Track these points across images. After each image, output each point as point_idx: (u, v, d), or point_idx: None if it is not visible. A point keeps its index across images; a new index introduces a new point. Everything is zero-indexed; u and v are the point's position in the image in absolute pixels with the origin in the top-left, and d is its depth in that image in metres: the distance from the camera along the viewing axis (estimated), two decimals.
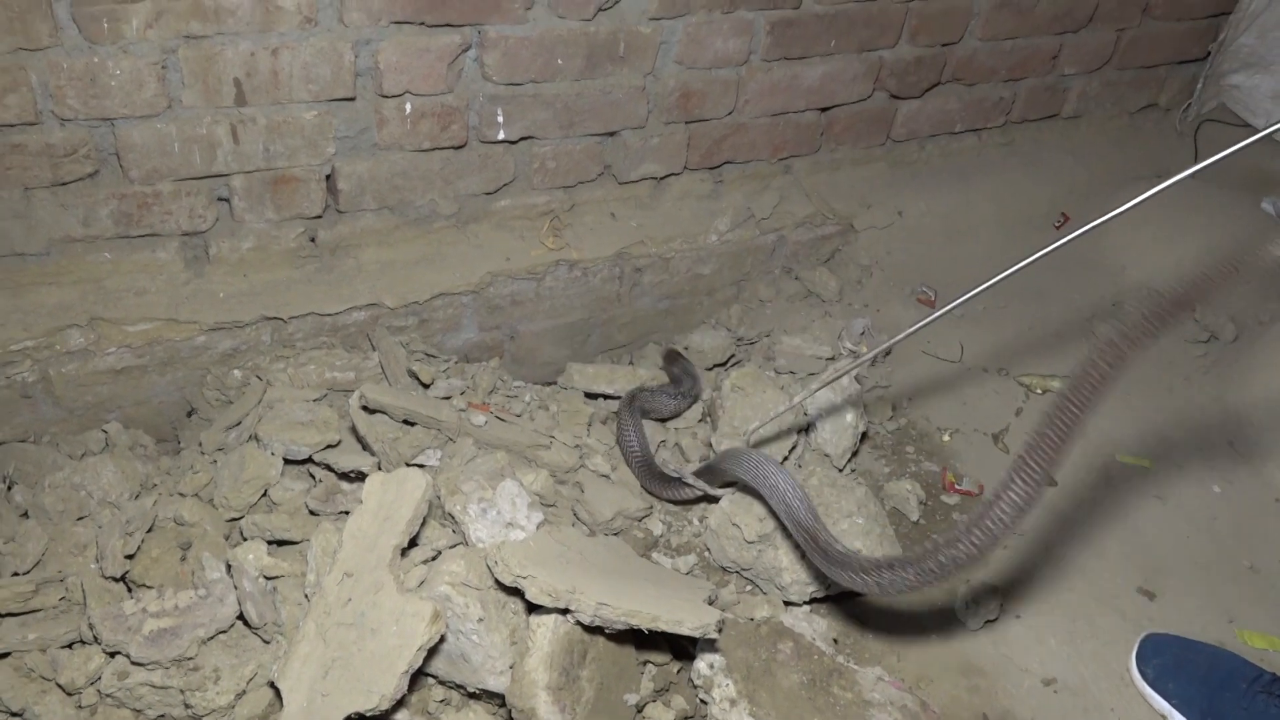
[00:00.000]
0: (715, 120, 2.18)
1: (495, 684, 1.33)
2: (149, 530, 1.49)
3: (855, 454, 1.84)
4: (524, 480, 1.60)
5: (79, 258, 1.75)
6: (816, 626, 1.53)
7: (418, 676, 1.32)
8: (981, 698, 1.58)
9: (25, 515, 1.55)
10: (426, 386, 1.85)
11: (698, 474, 1.65)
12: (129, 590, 1.46)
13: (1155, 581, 1.80)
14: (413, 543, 1.43)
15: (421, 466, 1.64)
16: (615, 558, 1.51)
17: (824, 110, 2.32)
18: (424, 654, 1.27)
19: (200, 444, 1.70)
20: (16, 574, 1.45)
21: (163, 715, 1.32)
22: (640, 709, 1.42)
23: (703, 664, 1.42)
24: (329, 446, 1.64)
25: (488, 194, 2.03)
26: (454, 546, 1.46)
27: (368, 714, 1.24)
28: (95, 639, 1.33)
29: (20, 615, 1.41)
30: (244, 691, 1.32)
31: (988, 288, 1.25)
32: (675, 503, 1.76)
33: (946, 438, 2.05)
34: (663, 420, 1.98)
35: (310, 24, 1.68)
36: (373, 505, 1.40)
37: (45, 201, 1.67)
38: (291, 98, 1.74)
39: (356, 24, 1.71)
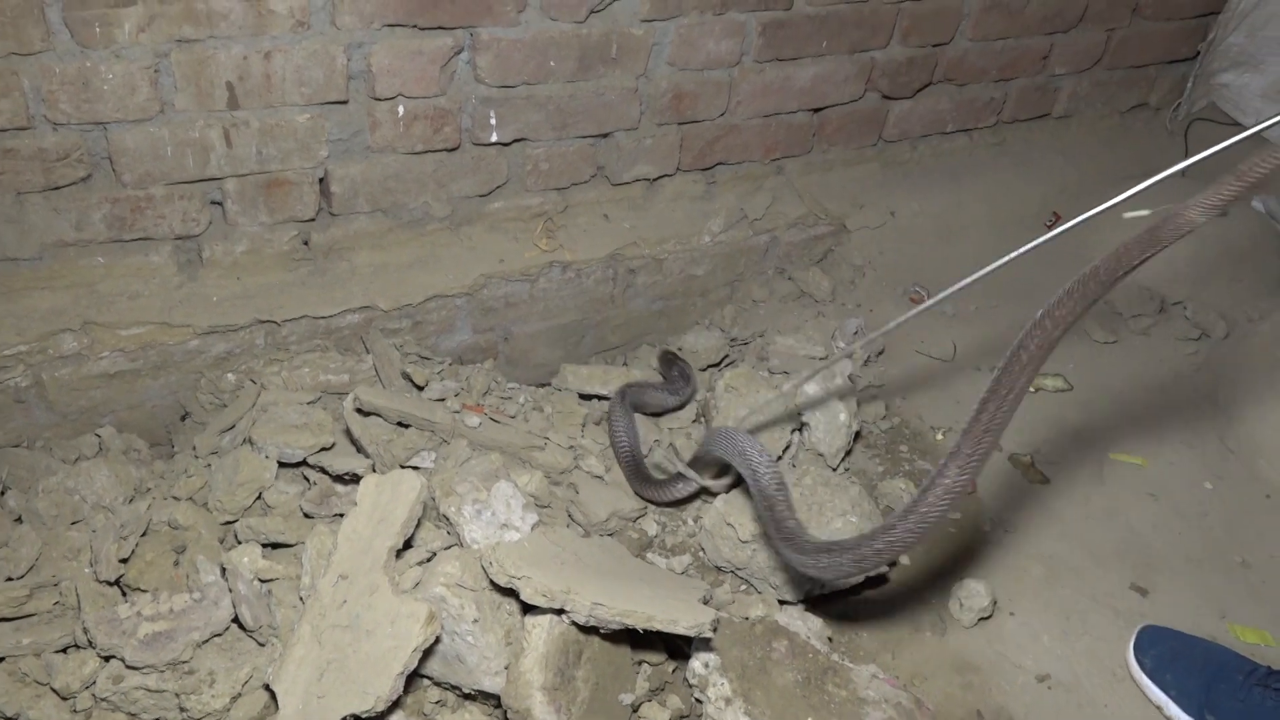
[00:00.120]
0: (708, 121, 2.19)
1: (490, 685, 1.33)
2: (143, 534, 1.49)
3: (849, 453, 1.85)
4: (519, 481, 1.60)
5: (72, 262, 1.75)
6: (811, 625, 1.54)
7: (413, 678, 1.32)
8: (976, 694, 1.59)
9: (19, 520, 1.55)
10: (421, 389, 1.85)
11: (690, 464, 1.66)
12: (123, 594, 1.46)
13: (1148, 578, 1.81)
14: (407, 544, 1.43)
15: (416, 468, 1.64)
16: (610, 558, 1.52)
17: (816, 111, 2.33)
18: (419, 655, 1.27)
19: (194, 448, 1.70)
20: (10, 579, 1.45)
21: (158, 719, 1.32)
22: (636, 708, 1.42)
23: (698, 663, 1.42)
24: (323, 449, 1.64)
25: (481, 196, 2.03)
26: (449, 548, 1.46)
27: (363, 715, 1.24)
28: (90, 643, 1.33)
29: (14, 620, 1.41)
30: (239, 694, 1.32)
31: (970, 283, 1.26)
32: (656, 503, 1.76)
33: (940, 436, 2.05)
34: (654, 415, 1.98)
35: (302, 27, 1.68)
36: (367, 507, 1.41)
37: (38, 206, 1.67)
38: (284, 101, 1.74)
39: (349, 27, 1.71)
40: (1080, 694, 1.61)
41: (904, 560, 1.77)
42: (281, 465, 1.63)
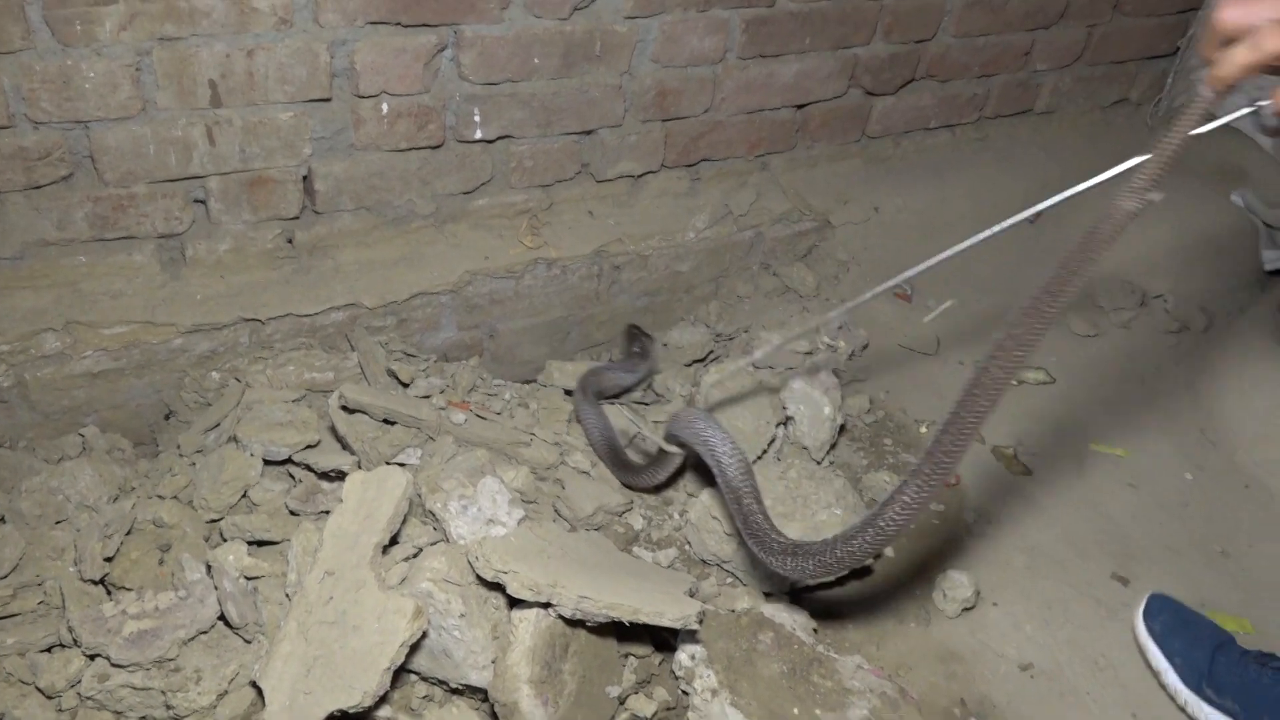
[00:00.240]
0: (692, 118, 2.19)
1: (478, 679, 1.33)
2: (127, 533, 1.49)
3: (833, 446, 1.86)
4: (505, 477, 1.61)
5: (54, 261, 1.75)
6: (796, 617, 1.55)
7: (400, 673, 1.32)
8: (959, 684, 1.60)
9: (2, 520, 1.55)
10: (406, 386, 1.85)
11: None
12: (108, 593, 1.46)
13: (1129, 567, 1.83)
14: (394, 540, 1.44)
15: (402, 465, 1.64)
16: (596, 552, 1.52)
17: (800, 107, 2.34)
18: (406, 650, 1.27)
19: (179, 446, 1.70)
20: None
21: (144, 717, 1.32)
22: (622, 701, 1.42)
23: (684, 655, 1.43)
24: (308, 447, 1.64)
25: (465, 193, 2.04)
26: (435, 544, 1.46)
27: (350, 711, 1.24)
28: (75, 642, 1.33)
29: None
30: (226, 691, 1.32)
31: (922, 270, 1.28)
32: (640, 489, 1.77)
33: (923, 429, 2.07)
34: (616, 397, 1.98)
35: (285, 25, 1.68)
36: (353, 504, 1.41)
37: (19, 205, 1.66)
38: (267, 99, 1.74)
39: (332, 24, 1.71)
40: (1062, 682, 1.62)
41: (888, 552, 1.78)
42: (267, 463, 1.62)
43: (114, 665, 1.30)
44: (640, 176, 2.22)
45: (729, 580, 1.67)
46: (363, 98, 1.81)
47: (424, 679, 1.39)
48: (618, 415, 1.90)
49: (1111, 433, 2.13)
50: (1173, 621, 1.64)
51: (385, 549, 1.40)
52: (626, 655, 1.47)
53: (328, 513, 1.47)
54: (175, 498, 1.58)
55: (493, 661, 1.33)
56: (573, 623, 1.34)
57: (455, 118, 1.92)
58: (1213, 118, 0.92)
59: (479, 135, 1.96)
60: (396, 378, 1.85)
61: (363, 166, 1.89)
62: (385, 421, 1.72)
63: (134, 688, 1.29)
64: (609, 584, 1.37)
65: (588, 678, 1.37)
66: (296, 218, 1.89)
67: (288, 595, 1.41)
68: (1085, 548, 1.86)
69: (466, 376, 1.91)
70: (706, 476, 1.70)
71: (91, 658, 1.32)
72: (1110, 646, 1.69)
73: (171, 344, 1.77)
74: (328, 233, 1.94)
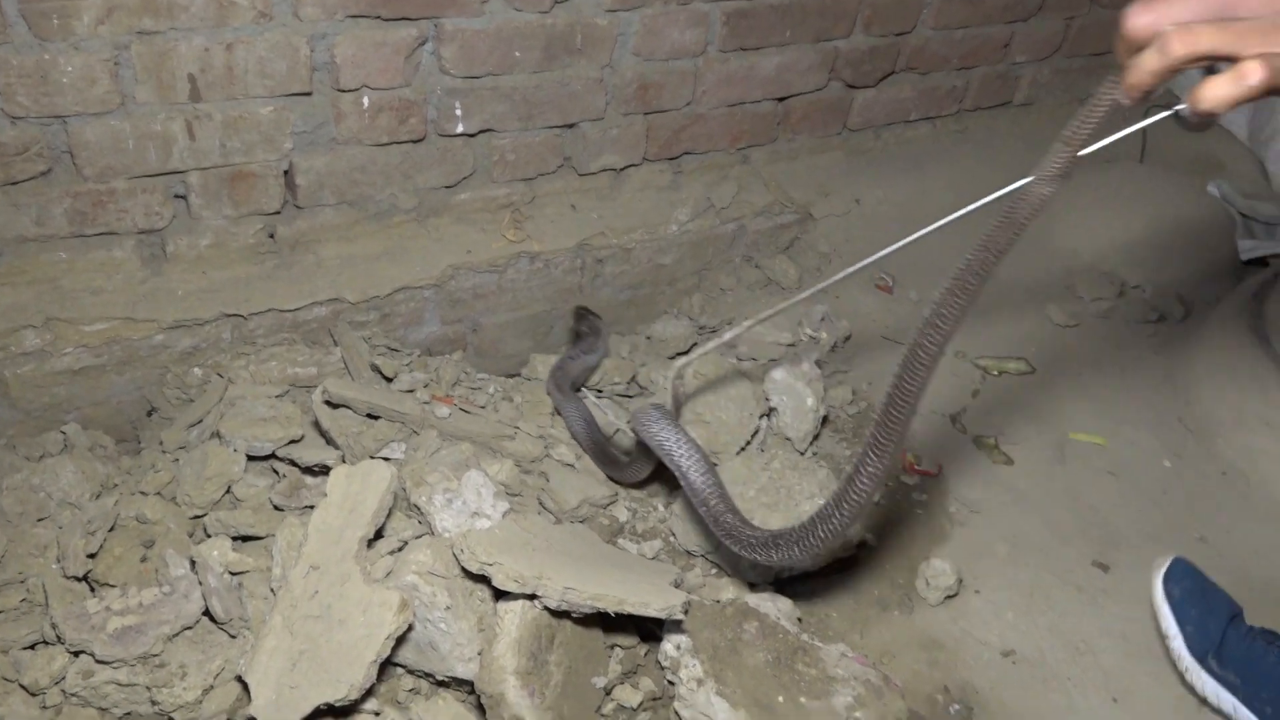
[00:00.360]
0: (673, 111, 2.20)
1: (464, 671, 1.34)
2: (111, 529, 1.48)
3: (816, 437, 1.87)
4: (489, 470, 1.61)
5: (33, 257, 1.73)
6: (781, 606, 1.56)
7: (386, 666, 1.33)
8: (942, 671, 1.62)
9: None
10: (389, 380, 1.85)
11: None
12: (91, 590, 1.45)
13: (1109, 555, 1.85)
14: (379, 534, 1.44)
15: (386, 459, 1.64)
16: (581, 544, 1.53)
17: (781, 100, 2.35)
18: (392, 643, 1.28)
19: (161, 443, 1.69)
20: None
21: (129, 713, 1.31)
22: (609, 691, 1.43)
23: (669, 645, 1.43)
24: (292, 442, 1.64)
25: (448, 187, 2.03)
26: (420, 537, 1.47)
27: (337, 704, 1.25)
28: (58, 639, 1.32)
29: None
30: (211, 686, 1.32)
31: (894, 250, 1.31)
32: (624, 483, 1.77)
33: None
34: (582, 385, 1.98)
35: (265, 18, 1.67)
36: (337, 498, 1.41)
37: None
38: (247, 93, 1.73)
39: (312, 18, 1.71)
40: (1044, 668, 1.64)
41: (872, 541, 1.79)
42: (250, 458, 1.62)
43: (98, 662, 1.30)
44: (622, 170, 2.22)
45: (714, 571, 1.68)
46: (343, 91, 1.80)
47: (410, 672, 1.39)
48: (599, 411, 1.90)
49: (1091, 421, 2.16)
50: (1193, 589, 1.64)
51: (370, 543, 1.40)
52: (612, 646, 1.47)
53: (312, 507, 1.47)
54: (158, 494, 1.57)
55: (479, 653, 1.33)
56: (558, 614, 1.34)
57: (437, 111, 1.91)
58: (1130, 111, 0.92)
59: (460, 129, 1.95)
60: (380, 372, 1.85)
61: (344, 161, 1.88)
62: (369, 416, 1.72)
63: (119, 684, 1.29)
64: (594, 575, 1.37)
65: (574, 669, 1.37)
66: (278, 212, 1.88)
67: (273, 590, 1.41)
68: (1066, 535, 1.88)
69: (450, 370, 1.91)
70: None
71: (75, 654, 1.32)
72: (1091, 632, 1.70)
73: (153, 340, 1.76)
74: (310, 227, 1.93)
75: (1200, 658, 1.59)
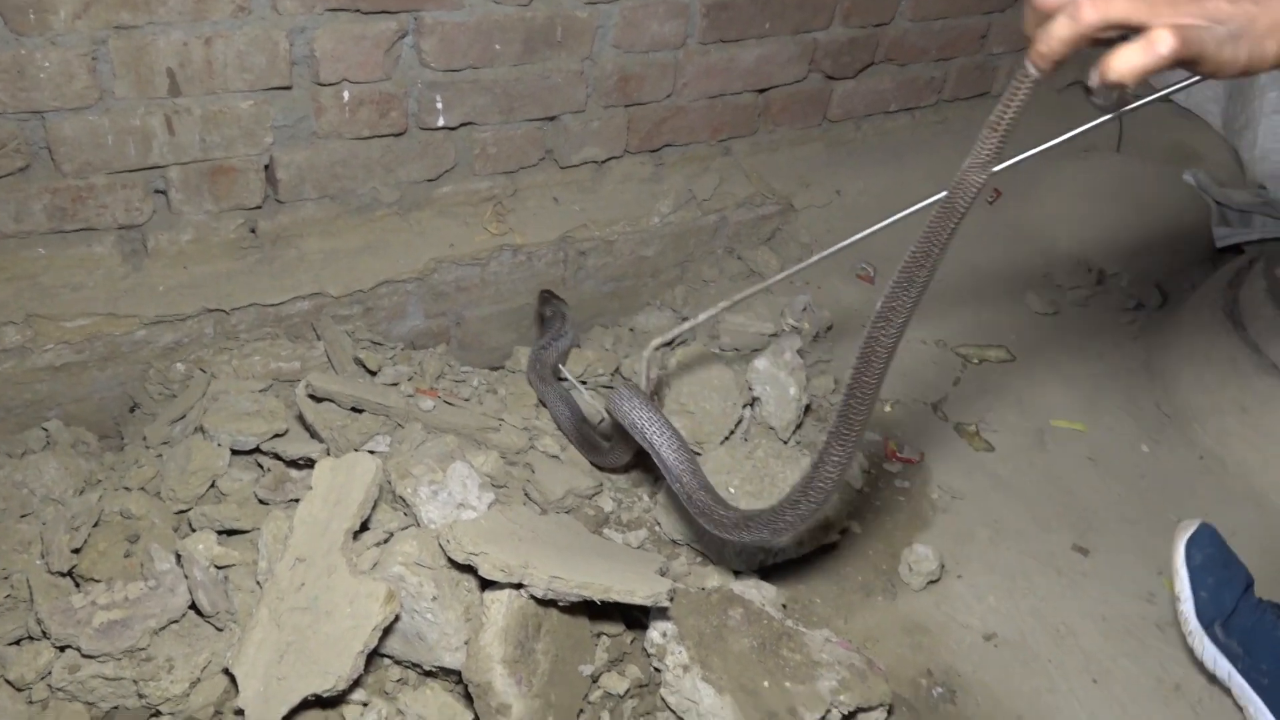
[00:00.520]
0: (654, 103, 2.20)
1: (451, 661, 1.34)
2: (95, 524, 1.48)
3: (799, 426, 1.89)
4: (474, 462, 1.62)
5: (12, 254, 1.72)
6: (765, 593, 1.57)
7: (374, 657, 1.33)
8: (925, 654, 1.63)
9: None
10: (373, 374, 1.85)
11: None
12: (76, 585, 1.45)
13: (1088, 539, 1.87)
14: (364, 526, 1.44)
15: (372, 452, 1.64)
16: (567, 534, 1.54)
17: (761, 92, 2.36)
18: (379, 634, 1.28)
19: (145, 438, 1.69)
20: None
21: (116, 707, 1.31)
22: (596, 679, 1.44)
23: (655, 633, 1.45)
24: (276, 436, 1.63)
25: (429, 181, 2.04)
26: (406, 528, 1.47)
27: (324, 695, 1.25)
28: (44, 634, 1.32)
29: None
30: (198, 680, 1.32)
31: (861, 239, 1.34)
32: (607, 468, 1.78)
33: (888, 408, 2.10)
34: (559, 374, 1.99)
35: (244, 12, 1.67)
36: (323, 490, 1.41)
37: None
38: (227, 87, 1.72)
39: (291, 11, 1.70)
40: (1025, 651, 1.66)
41: (855, 528, 1.81)
42: (234, 453, 1.62)
43: (84, 656, 1.30)
44: (604, 162, 2.23)
45: (698, 560, 1.68)
46: (323, 85, 1.80)
47: (398, 662, 1.40)
48: (585, 401, 1.91)
49: (1071, 408, 2.18)
50: (1215, 556, 1.65)
51: (356, 535, 1.40)
52: (599, 634, 1.48)
53: (297, 501, 1.47)
54: (142, 489, 1.57)
55: (466, 643, 1.34)
56: (545, 603, 1.35)
57: (417, 105, 1.91)
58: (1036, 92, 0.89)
59: (442, 122, 1.95)
60: (364, 366, 1.85)
61: (325, 155, 1.88)
62: (353, 410, 1.72)
63: (105, 678, 1.29)
64: (580, 564, 1.38)
65: (561, 657, 1.38)
66: (259, 207, 1.88)
67: (259, 583, 1.41)
68: (1046, 520, 1.90)
69: (434, 364, 1.92)
70: None
71: (61, 649, 1.32)
72: (1071, 615, 1.73)
73: (135, 336, 1.75)
74: (291, 222, 1.93)
75: (1207, 625, 1.61)
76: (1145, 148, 2.91)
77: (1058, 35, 0.79)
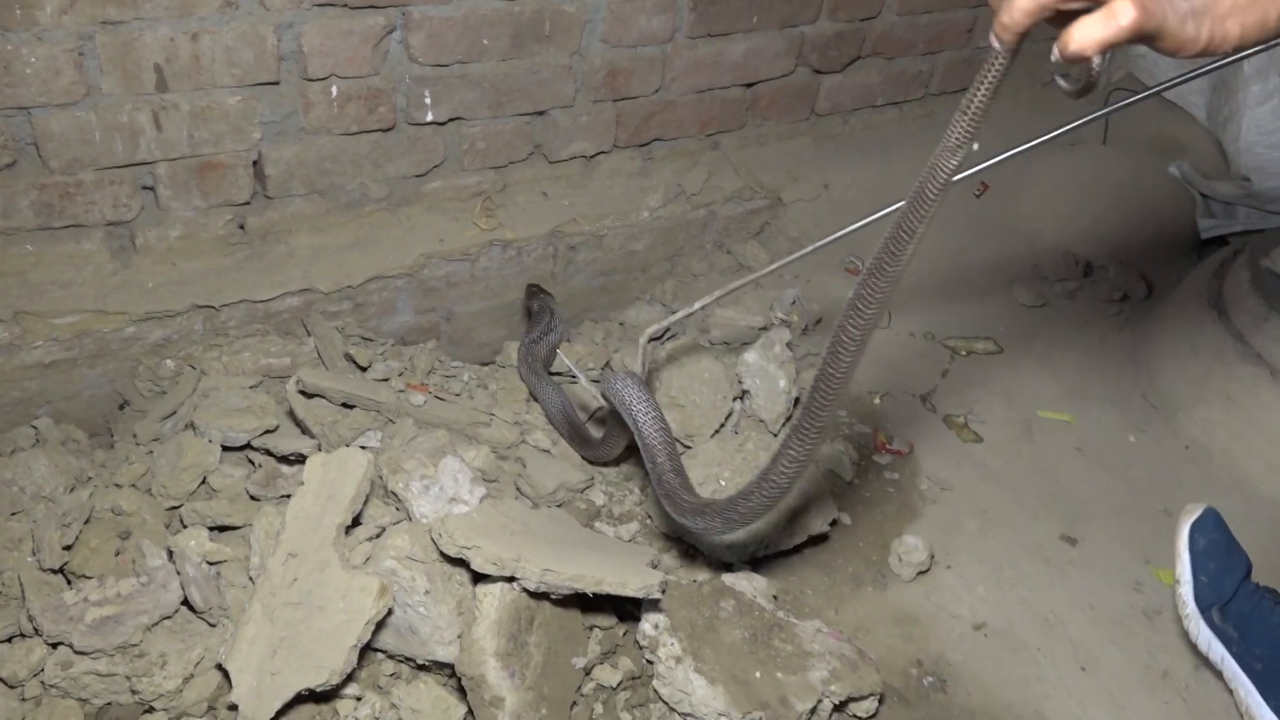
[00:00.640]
0: (643, 98, 2.21)
1: (444, 654, 1.35)
2: (86, 522, 1.48)
3: (789, 418, 1.89)
4: (465, 457, 1.62)
5: (0, 251, 1.72)
6: (756, 584, 1.58)
7: (367, 651, 1.34)
8: (916, 644, 1.65)
9: None
10: (364, 370, 1.85)
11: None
12: (68, 582, 1.45)
13: (1076, 528, 1.89)
14: (356, 521, 1.44)
15: (363, 448, 1.64)
16: (559, 528, 1.54)
17: (749, 86, 2.36)
18: (372, 628, 1.29)
19: (135, 435, 1.69)
20: None
21: (109, 703, 1.32)
22: (588, 671, 1.45)
23: (648, 625, 1.45)
24: (267, 432, 1.63)
25: (418, 176, 2.03)
26: (398, 523, 1.47)
27: (318, 690, 1.26)
28: (36, 631, 1.32)
29: None
30: (192, 675, 1.32)
31: (847, 233, 1.35)
32: (599, 462, 1.78)
33: (877, 400, 2.11)
34: (550, 364, 1.99)
35: (231, 7, 1.66)
36: (314, 485, 1.41)
37: None
38: (214, 83, 1.72)
39: (278, 7, 1.70)
40: (1014, 639, 1.68)
41: (845, 520, 1.82)
42: (225, 449, 1.62)
43: (77, 653, 1.30)
44: (593, 157, 2.23)
45: (690, 552, 1.69)
46: (311, 81, 1.80)
47: (391, 656, 1.40)
48: (574, 391, 1.91)
49: (1058, 399, 2.20)
50: (1218, 542, 1.66)
51: (348, 530, 1.41)
52: (591, 627, 1.49)
53: (289, 496, 1.48)
54: (133, 486, 1.57)
55: (458, 636, 1.34)
56: (537, 596, 1.36)
57: (406, 100, 1.91)
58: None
59: (430, 117, 1.95)
60: (354, 362, 1.85)
61: (313, 150, 1.88)
62: (344, 405, 1.72)
63: (98, 674, 1.29)
64: (572, 557, 1.39)
65: (553, 650, 1.39)
66: (248, 203, 1.88)
67: (251, 578, 1.42)
68: (1034, 510, 1.92)
69: (424, 359, 1.92)
70: None
71: (54, 646, 1.32)
72: (1059, 604, 1.74)
73: (124, 332, 1.75)
74: (280, 218, 1.92)
75: (1204, 609, 1.62)
76: (1131, 141, 2.93)
77: (1020, 5, 0.77)
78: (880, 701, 1.51)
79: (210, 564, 1.43)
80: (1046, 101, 2.97)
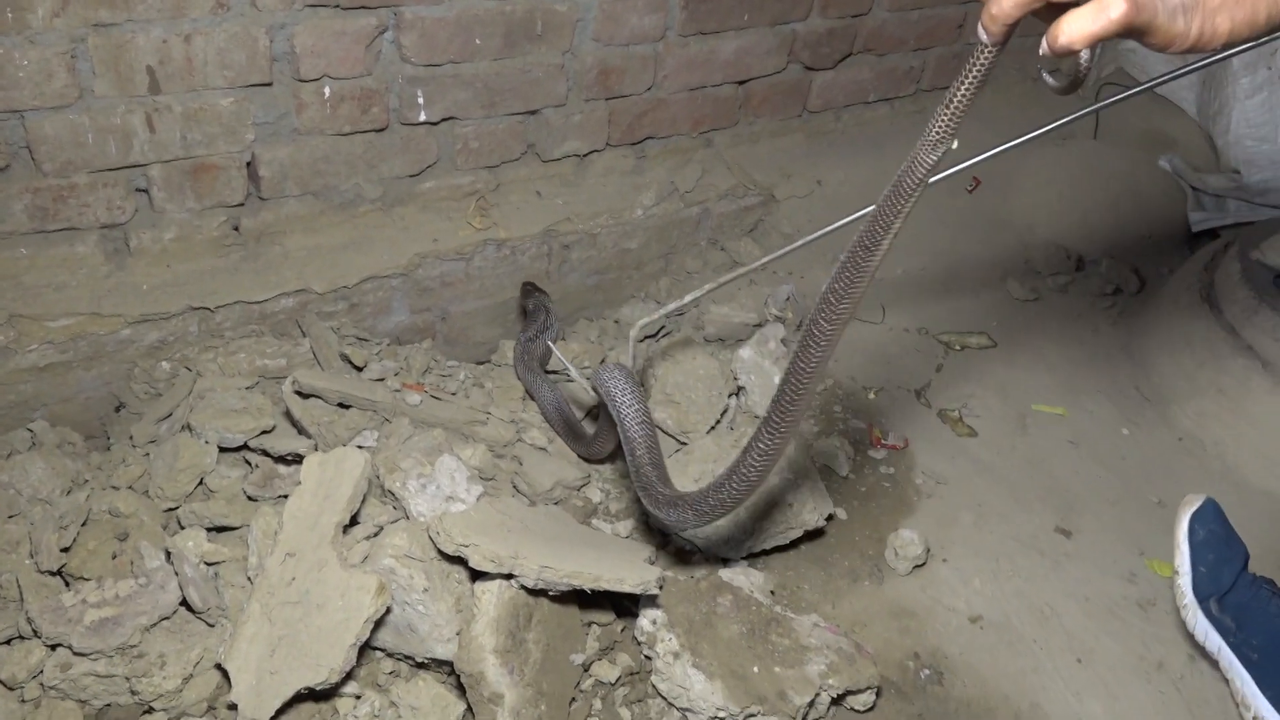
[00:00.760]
0: (635, 96, 2.21)
1: (443, 652, 1.35)
2: (83, 524, 1.48)
3: None
4: (462, 455, 1.62)
5: None
6: (754, 579, 1.59)
7: (365, 649, 1.34)
8: (912, 638, 1.65)
9: None
10: (360, 370, 1.85)
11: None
12: (66, 584, 1.45)
13: (1071, 521, 1.90)
14: (354, 520, 1.45)
15: (360, 447, 1.65)
16: (556, 525, 1.55)
17: (741, 83, 2.37)
18: (371, 626, 1.29)
19: (131, 437, 1.69)
20: None
21: (109, 704, 1.32)
22: (587, 667, 1.45)
23: (645, 620, 1.46)
24: (264, 432, 1.64)
25: (412, 176, 2.04)
26: (395, 522, 1.48)
27: (317, 688, 1.26)
28: (35, 633, 1.32)
29: None
30: (191, 675, 1.33)
31: (830, 232, 1.35)
32: (593, 459, 1.79)
33: (872, 395, 2.12)
34: (547, 363, 1.99)
35: (223, 9, 1.66)
36: (312, 485, 1.42)
37: None
38: (207, 85, 1.72)
39: (270, 8, 1.70)
40: (1010, 632, 1.69)
41: (841, 515, 1.82)
42: (222, 450, 1.62)
43: (76, 654, 1.30)
44: (586, 155, 2.24)
45: (687, 548, 1.70)
46: (304, 82, 1.80)
47: (390, 654, 1.41)
48: (571, 388, 1.92)
49: (1052, 393, 2.21)
50: (1218, 533, 1.67)
51: (346, 529, 1.41)
52: (589, 624, 1.50)
53: (286, 496, 1.48)
54: (130, 488, 1.57)
55: (457, 634, 1.35)
56: (535, 593, 1.36)
57: (399, 100, 1.92)
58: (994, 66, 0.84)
59: (423, 117, 1.96)
60: (350, 362, 1.85)
61: (307, 151, 1.88)
62: (340, 405, 1.72)
63: (98, 675, 1.29)
64: (570, 554, 1.39)
65: (552, 646, 1.39)
66: (242, 204, 1.88)
67: (249, 578, 1.42)
68: (1029, 503, 1.93)
69: (420, 359, 1.92)
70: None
71: (53, 648, 1.32)
72: (1055, 596, 1.75)
73: (119, 335, 1.75)
74: (274, 219, 1.93)
75: (1202, 599, 1.63)
76: (1122, 135, 2.94)
77: None
78: (878, 694, 1.52)
79: (208, 564, 1.43)
80: (1036, 96, 2.98)
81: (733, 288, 2.30)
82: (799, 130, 2.58)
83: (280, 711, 1.24)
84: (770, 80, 2.41)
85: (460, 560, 1.34)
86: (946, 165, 0.94)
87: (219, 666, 1.32)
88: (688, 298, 1.48)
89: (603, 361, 2.08)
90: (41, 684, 1.30)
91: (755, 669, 1.43)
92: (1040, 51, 0.77)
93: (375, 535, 1.45)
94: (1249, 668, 1.57)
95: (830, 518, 1.77)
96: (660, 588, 1.42)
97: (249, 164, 1.84)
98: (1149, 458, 2.08)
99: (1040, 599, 1.75)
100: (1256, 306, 2.09)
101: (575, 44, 2.05)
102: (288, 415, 1.69)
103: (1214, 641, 1.62)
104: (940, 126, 0.87)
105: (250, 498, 1.57)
